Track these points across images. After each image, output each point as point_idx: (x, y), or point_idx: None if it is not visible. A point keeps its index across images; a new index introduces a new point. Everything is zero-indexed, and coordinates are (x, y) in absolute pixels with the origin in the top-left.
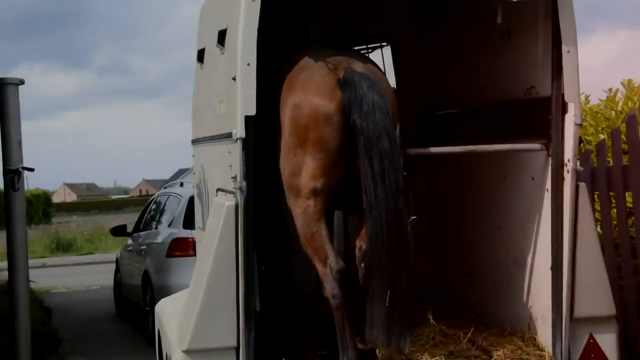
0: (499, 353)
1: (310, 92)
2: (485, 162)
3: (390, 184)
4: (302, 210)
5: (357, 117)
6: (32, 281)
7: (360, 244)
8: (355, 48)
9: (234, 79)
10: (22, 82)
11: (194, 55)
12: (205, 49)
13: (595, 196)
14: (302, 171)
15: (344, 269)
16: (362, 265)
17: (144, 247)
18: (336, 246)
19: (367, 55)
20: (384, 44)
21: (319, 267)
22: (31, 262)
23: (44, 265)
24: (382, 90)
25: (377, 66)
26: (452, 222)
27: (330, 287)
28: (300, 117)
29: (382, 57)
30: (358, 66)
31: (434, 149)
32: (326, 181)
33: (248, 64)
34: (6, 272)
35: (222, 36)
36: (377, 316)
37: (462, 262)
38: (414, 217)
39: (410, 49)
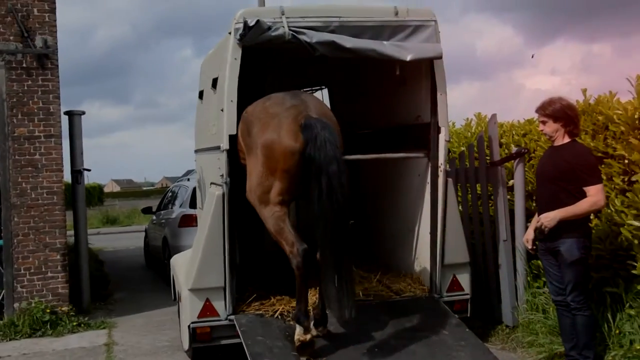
0: (396, 287)
1: (282, 134)
2: (388, 164)
3: (336, 199)
4: (271, 214)
5: (311, 150)
6: (90, 243)
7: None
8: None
9: (222, 110)
10: (83, 112)
11: (197, 94)
12: (204, 90)
13: (458, 186)
14: (271, 190)
15: (307, 248)
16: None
17: (163, 220)
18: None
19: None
20: (323, 87)
21: (287, 248)
22: (89, 231)
23: (98, 233)
24: (332, 129)
25: (327, 107)
26: (370, 205)
27: (296, 262)
28: (273, 152)
29: (322, 95)
30: (313, 112)
31: (358, 156)
32: (288, 196)
33: (231, 101)
34: (72, 238)
35: (214, 82)
36: (329, 295)
37: (375, 231)
38: (352, 221)
39: (341, 90)
